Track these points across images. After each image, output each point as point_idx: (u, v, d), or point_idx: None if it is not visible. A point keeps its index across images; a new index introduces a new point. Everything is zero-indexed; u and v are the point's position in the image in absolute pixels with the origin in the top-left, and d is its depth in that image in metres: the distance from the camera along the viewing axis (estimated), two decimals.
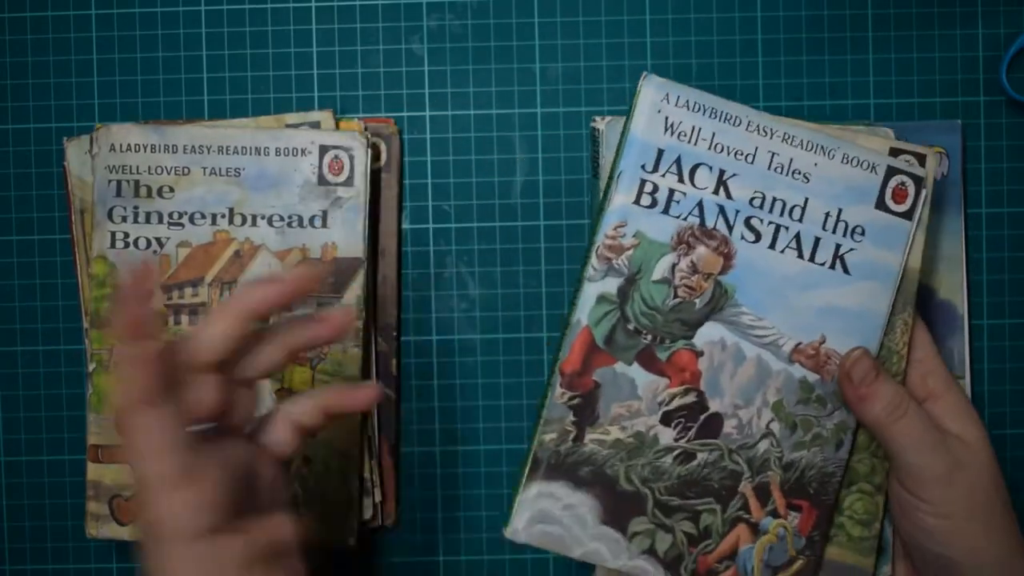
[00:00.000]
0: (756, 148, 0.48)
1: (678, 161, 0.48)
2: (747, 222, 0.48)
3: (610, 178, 0.48)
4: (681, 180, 0.48)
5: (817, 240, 0.48)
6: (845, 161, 0.48)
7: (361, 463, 0.55)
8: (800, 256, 0.48)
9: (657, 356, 0.48)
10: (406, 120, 0.57)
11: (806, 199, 0.48)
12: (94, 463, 0.54)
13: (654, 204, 0.48)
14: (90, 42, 0.57)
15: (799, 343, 0.48)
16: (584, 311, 0.47)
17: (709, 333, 0.48)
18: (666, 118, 0.48)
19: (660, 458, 0.47)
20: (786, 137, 0.48)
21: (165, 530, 0.38)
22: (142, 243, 0.54)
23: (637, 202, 0.48)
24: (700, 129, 0.48)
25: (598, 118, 0.52)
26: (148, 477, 0.38)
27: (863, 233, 0.48)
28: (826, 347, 0.48)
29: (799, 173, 0.48)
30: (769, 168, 0.48)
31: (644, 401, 0.47)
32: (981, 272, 0.57)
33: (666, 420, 0.47)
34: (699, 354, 0.48)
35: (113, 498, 0.54)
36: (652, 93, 0.48)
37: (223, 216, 0.54)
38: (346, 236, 0.54)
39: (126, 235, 0.54)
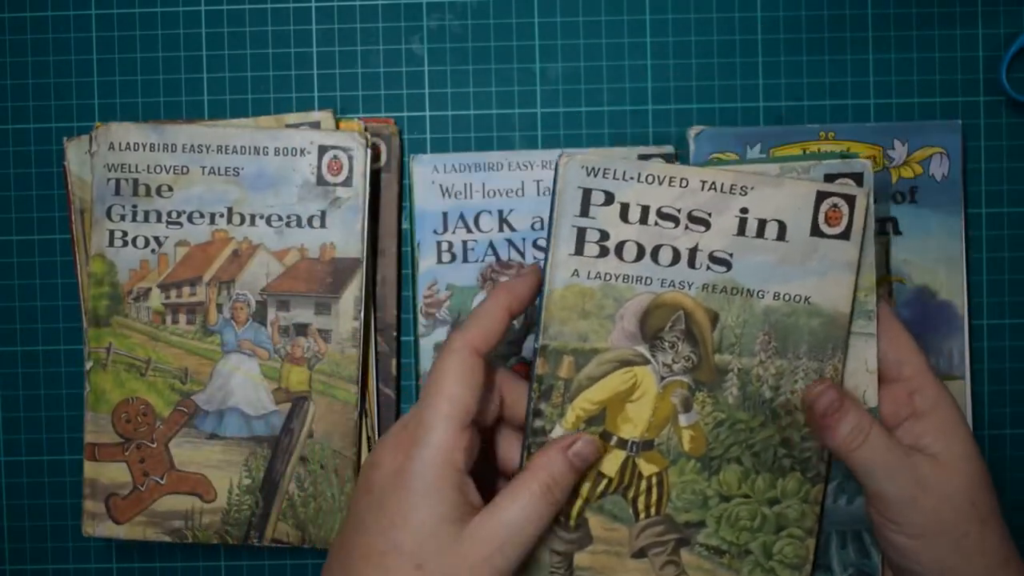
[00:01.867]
0: (522, 182, 0.56)
1: (461, 216, 0.56)
2: (535, 244, 0.56)
3: (412, 247, 0.56)
4: (469, 230, 0.56)
5: None
6: None
7: (359, 463, 0.55)
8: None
9: None
10: (406, 120, 0.57)
11: None
12: (91, 461, 0.54)
13: (453, 258, 0.56)
14: (90, 42, 0.57)
15: None
16: (428, 362, 0.56)
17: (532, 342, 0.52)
18: (440, 186, 0.56)
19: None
20: (543, 164, 0.56)
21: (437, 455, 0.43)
22: (140, 242, 0.54)
23: (439, 261, 0.56)
24: (471, 184, 0.56)
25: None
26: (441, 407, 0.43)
27: None
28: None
29: None
30: (538, 194, 0.56)
31: None
32: (981, 272, 0.57)
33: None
34: (529, 362, 0.53)
35: (109, 496, 0.54)
36: (422, 170, 0.56)
37: (222, 215, 0.54)
38: (344, 236, 0.54)
39: (124, 233, 0.54)
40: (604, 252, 0.48)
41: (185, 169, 0.54)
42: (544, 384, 0.47)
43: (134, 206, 0.54)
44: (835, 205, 0.48)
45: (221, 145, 0.54)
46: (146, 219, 0.54)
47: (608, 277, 0.48)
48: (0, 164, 0.58)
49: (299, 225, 0.54)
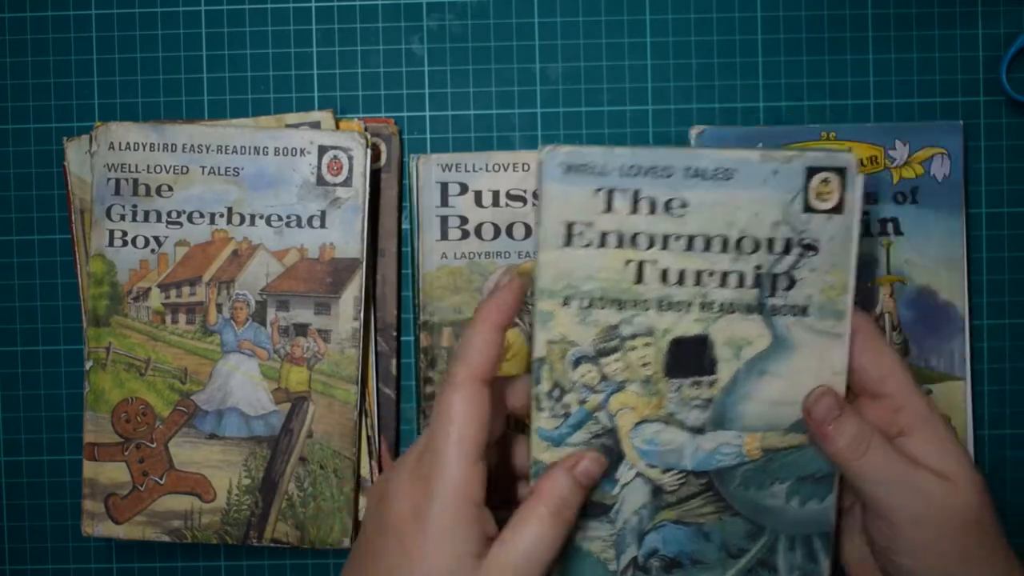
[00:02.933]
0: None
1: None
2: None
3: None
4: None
5: None
6: None
7: (359, 463, 0.55)
8: None
9: None
10: (406, 120, 0.57)
11: None
12: (90, 461, 0.54)
13: None
14: (90, 42, 0.57)
15: None
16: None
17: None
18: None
19: None
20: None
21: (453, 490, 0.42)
22: (140, 242, 0.54)
23: None
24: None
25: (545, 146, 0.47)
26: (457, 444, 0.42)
27: None
28: None
29: None
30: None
31: None
32: (981, 272, 0.57)
33: None
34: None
35: (109, 496, 0.54)
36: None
37: (221, 215, 0.54)
38: (344, 236, 0.54)
39: (124, 233, 0.54)
40: (465, 235, 0.56)
41: (185, 169, 0.54)
42: (430, 355, 0.55)
43: (134, 206, 0.54)
44: None
45: (221, 145, 0.54)
46: (146, 219, 0.54)
47: (472, 256, 0.56)
48: (0, 164, 0.58)
49: (299, 225, 0.54)
